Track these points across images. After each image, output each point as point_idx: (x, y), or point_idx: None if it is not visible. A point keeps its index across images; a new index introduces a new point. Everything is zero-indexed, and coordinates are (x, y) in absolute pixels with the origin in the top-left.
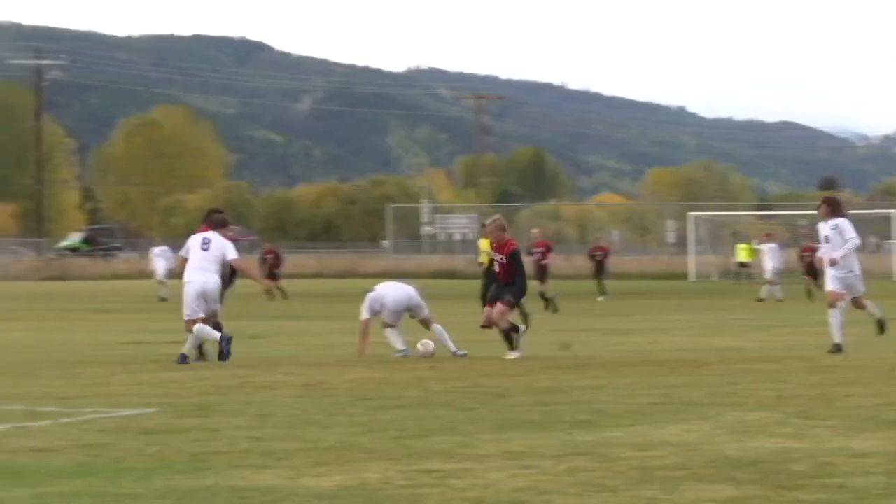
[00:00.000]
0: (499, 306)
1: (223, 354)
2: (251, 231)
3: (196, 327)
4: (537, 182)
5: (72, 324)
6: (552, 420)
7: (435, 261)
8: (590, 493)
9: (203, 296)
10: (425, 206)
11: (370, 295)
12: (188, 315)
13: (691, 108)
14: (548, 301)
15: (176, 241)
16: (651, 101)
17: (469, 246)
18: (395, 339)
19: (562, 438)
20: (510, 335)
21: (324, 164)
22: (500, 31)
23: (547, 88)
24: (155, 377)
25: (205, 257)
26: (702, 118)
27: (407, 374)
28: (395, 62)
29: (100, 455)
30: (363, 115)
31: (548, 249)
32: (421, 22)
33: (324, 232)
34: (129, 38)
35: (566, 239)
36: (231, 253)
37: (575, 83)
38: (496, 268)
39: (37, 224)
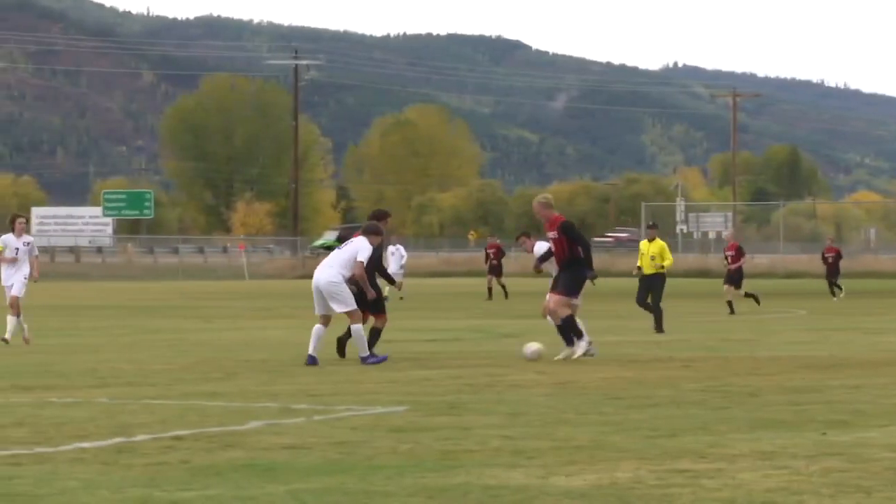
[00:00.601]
0: (555, 297)
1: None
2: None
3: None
4: (792, 180)
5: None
6: (805, 420)
7: (689, 260)
8: (843, 495)
9: (317, 292)
10: (680, 205)
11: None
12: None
13: None
14: (755, 297)
15: (428, 240)
16: None
17: (724, 245)
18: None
19: (815, 438)
20: (567, 331)
21: (577, 162)
22: (759, 28)
23: (804, 86)
24: (406, 375)
25: (333, 254)
26: None
27: (659, 373)
28: (651, 60)
29: (352, 452)
30: (618, 113)
31: (738, 252)
32: (678, 20)
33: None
34: (385, 38)
35: (821, 237)
36: (361, 255)
37: (833, 80)
38: (552, 248)
39: (292, 223)
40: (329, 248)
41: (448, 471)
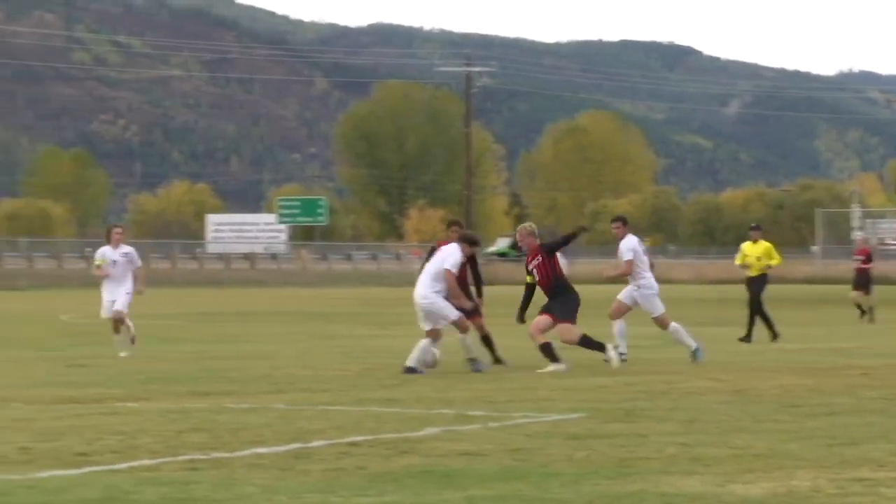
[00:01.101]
0: (561, 327)
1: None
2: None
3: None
4: None
5: (502, 328)
6: None
7: None
8: None
9: (417, 308)
10: (855, 211)
11: None
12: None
13: None
14: (866, 311)
15: (602, 247)
16: None
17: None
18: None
19: None
20: (591, 343)
21: (751, 168)
22: None
23: None
24: (582, 382)
25: (426, 268)
26: None
27: (837, 381)
28: (825, 66)
29: (527, 460)
30: (791, 119)
31: (868, 257)
32: (854, 25)
33: None
34: (557, 44)
35: None
36: (448, 261)
37: None
38: (535, 276)
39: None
40: (503, 255)
41: (624, 478)
